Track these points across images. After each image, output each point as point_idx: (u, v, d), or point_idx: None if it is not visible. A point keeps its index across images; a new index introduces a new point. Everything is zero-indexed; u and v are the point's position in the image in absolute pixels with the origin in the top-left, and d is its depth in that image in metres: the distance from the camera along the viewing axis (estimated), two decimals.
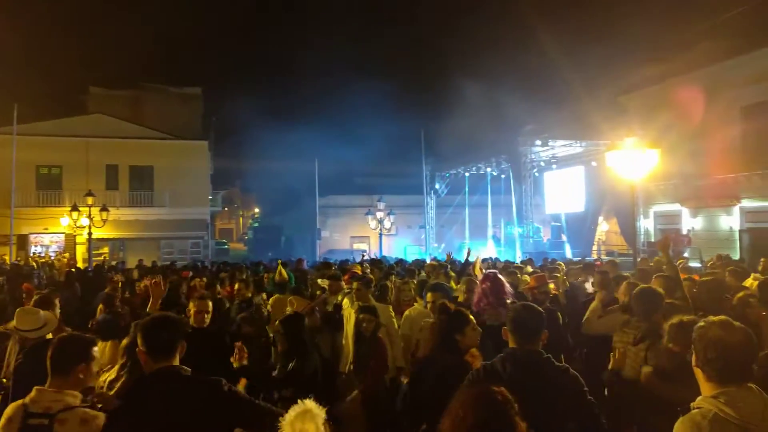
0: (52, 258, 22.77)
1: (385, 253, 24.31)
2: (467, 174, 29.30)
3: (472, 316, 3.71)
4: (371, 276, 7.56)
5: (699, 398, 2.12)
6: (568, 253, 22.34)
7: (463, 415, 1.82)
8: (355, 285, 6.21)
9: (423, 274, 8.87)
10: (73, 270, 14.01)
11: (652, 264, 9.36)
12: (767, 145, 18.51)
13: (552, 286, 6.49)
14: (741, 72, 18.98)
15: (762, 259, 9.40)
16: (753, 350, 2.14)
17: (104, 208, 22.65)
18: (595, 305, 5.35)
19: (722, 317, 2.19)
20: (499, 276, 5.26)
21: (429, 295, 5.15)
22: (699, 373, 2.16)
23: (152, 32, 77.67)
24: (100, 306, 6.56)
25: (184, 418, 2.45)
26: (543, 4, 50.24)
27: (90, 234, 22.24)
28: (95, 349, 2.89)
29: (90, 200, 22.08)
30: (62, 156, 28.17)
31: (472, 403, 1.86)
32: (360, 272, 8.31)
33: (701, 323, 2.19)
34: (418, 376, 3.82)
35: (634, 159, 13.03)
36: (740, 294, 4.88)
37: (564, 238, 25.78)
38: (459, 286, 6.31)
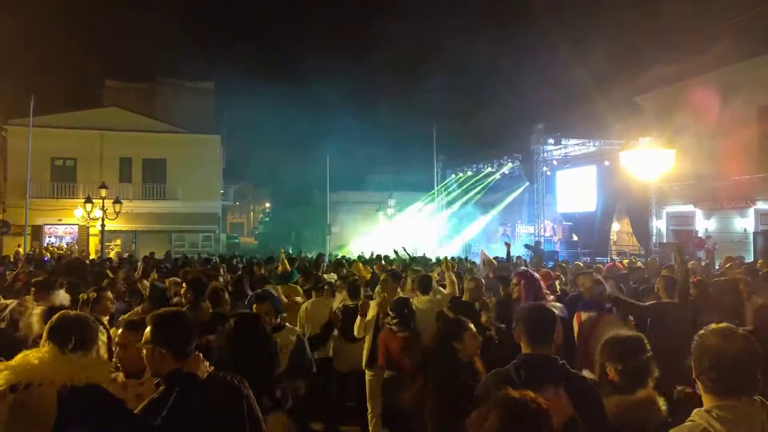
0: (65, 248, 23.05)
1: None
2: (479, 172, 29.16)
3: (471, 324, 3.58)
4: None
5: (695, 411, 1.98)
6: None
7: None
8: (383, 276, 6.23)
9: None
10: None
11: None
12: None
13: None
14: (758, 72, 18.68)
15: None
16: (754, 360, 1.97)
17: (117, 201, 22.82)
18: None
19: (724, 324, 2.05)
20: (534, 274, 5.45)
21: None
22: (699, 385, 2.03)
23: (167, 26, 78.17)
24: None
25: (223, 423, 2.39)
26: (559, 3, 49.89)
27: (103, 226, 22.46)
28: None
29: (103, 192, 22.26)
30: (77, 148, 28.47)
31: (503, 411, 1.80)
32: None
33: (701, 331, 2.05)
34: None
35: (648, 159, 12.93)
36: None
37: (575, 237, 25.57)
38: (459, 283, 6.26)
